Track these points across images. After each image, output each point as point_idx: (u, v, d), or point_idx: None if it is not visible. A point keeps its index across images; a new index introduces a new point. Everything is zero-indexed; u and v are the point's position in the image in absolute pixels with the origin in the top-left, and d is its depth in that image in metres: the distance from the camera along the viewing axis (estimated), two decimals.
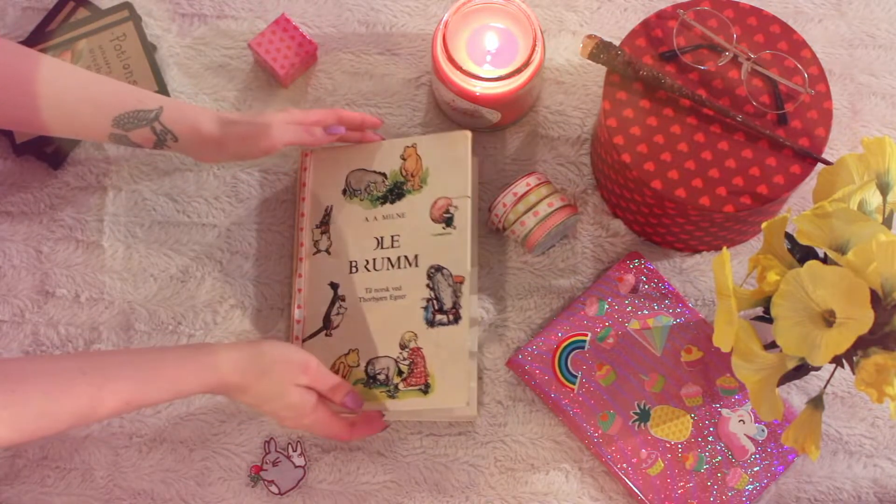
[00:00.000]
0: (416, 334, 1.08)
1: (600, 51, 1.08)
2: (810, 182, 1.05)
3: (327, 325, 1.12)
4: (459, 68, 1.10)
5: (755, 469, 1.10)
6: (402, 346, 1.08)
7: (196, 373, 0.96)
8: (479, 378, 1.14)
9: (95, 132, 1.05)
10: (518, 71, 1.10)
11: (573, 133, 1.21)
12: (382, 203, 1.13)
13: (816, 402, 0.94)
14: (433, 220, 1.11)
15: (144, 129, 1.04)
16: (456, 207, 1.10)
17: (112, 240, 1.18)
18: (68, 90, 1.02)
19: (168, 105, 1.05)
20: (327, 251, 1.14)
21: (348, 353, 1.10)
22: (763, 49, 1.10)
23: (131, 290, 1.17)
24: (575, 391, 1.11)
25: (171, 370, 0.95)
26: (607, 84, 1.09)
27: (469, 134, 1.11)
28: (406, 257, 1.11)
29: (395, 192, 1.13)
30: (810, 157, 1.06)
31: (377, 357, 1.09)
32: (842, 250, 0.90)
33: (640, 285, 1.15)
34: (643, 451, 1.10)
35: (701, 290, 1.17)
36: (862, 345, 0.89)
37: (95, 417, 0.91)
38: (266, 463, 1.12)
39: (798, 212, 1.18)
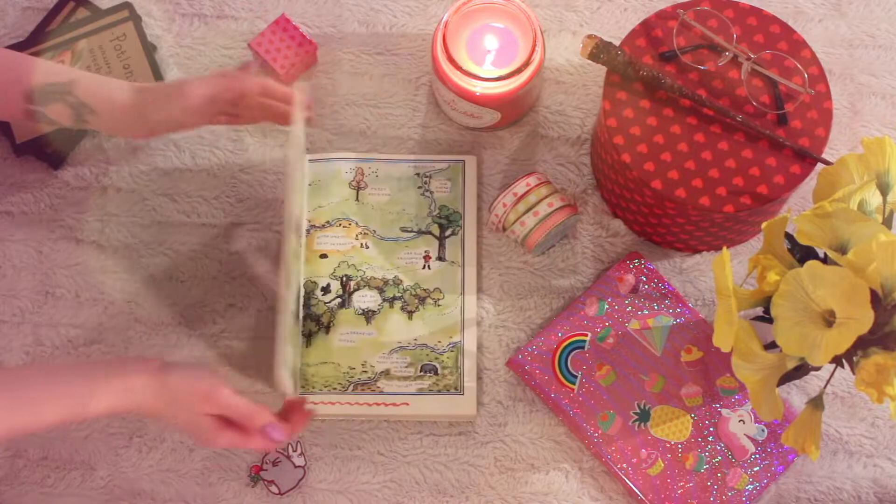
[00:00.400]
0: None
1: (600, 51, 1.08)
2: (810, 182, 1.05)
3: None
4: (459, 68, 1.10)
5: (755, 469, 1.10)
6: None
7: (108, 395, 0.94)
8: (479, 378, 1.14)
9: (11, 109, 1.02)
10: (518, 71, 1.10)
11: (573, 133, 1.21)
12: None
13: (816, 402, 0.94)
14: None
15: (59, 103, 1.02)
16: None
17: (112, 240, 1.18)
18: None
19: (82, 78, 1.02)
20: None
21: None
22: (763, 49, 1.10)
23: (131, 290, 1.17)
24: (575, 391, 1.11)
25: (79, 390, 0.93)
26: (607, 84, 1.09)
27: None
28: None
29: None
30: (810, 157, 1.06)
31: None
32: (842, 250, 0.90)
33: (640, 285, 1.15)
34: (643, 451, 1.10)
35: (701, 290, 1.17)
36: (862, 345, 0.89)
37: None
38: (266, 463, 1.12)
39: (798, 212, 1.18)
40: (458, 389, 1.12)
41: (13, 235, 1.19)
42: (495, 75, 1.11)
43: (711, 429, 1.11)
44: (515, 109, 1.18)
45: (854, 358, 0.90)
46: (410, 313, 1.15)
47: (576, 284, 1.17)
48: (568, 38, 1.24)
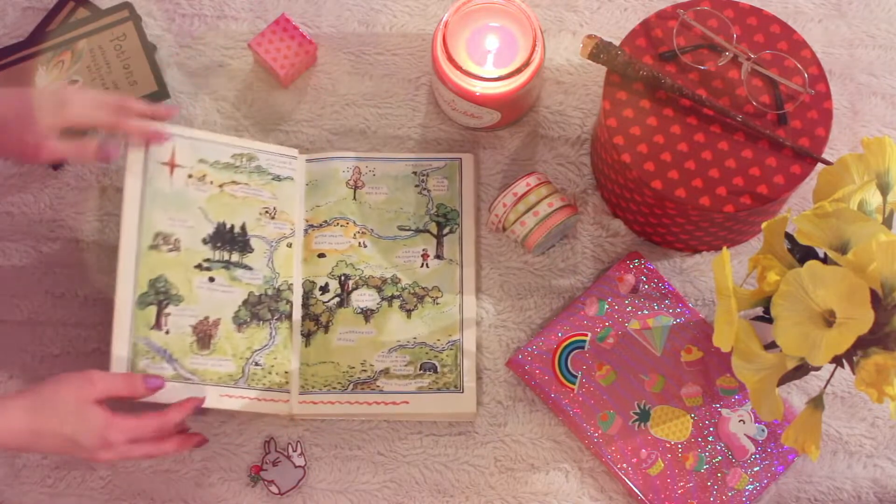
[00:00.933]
0: None
1: (600, 51, 1.08)
2: (810, 182, 1.05)
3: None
4: (459, 68, 1.10)
5: (755, 469, 1.10)
6: None
7: None
8: (479, 378, 1.14)
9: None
10: (518, 71, 1.10)
11: (573, 133, 1.21)
12: None
13: (816, 402, 0.94)
14: None
15: None
16: None
17: (112, 240, 1.18)
18: None
19: None
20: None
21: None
22: (763, 49, 1.10)
23: None
24: (575, 391, 1.11)
25: None
26: (607, 84, 1.09)
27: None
28: None
29: None
30: (810, 157, 1.06)
31: None
32: (842, 250, 0.90)
33: (640, 285, 1.15)
34: (643, 451, 1.10)
35: (701, 290, 1.17)
36: (862, 345, 0.88)
37: None
38: (266, 463, 1.12)
39: (798, 212, 1.18)
40: (457, 388, 1.12)
41: (13, 235, 1.19)
42: (495, 75, 1.11)
43: (711, 429, 1.11)
44: (515, 109, 1.18)
45: (854, 358, 0.90)
46: (409, 312, 1.15)
47: (576, 284, 1.17)
48: (568, 38, 1.24)
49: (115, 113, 1.07)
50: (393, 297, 1.15)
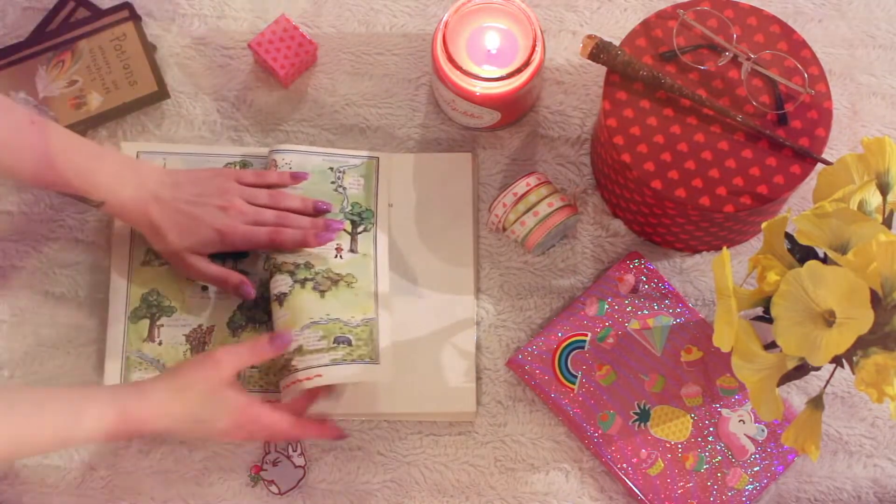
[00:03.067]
0: None
1: (600, 51, 1.08)
2: (810, 182, 1.05)
3: None
4: (459, 68, 1.10)
5: (755, 469, 1.10)
6: None
7: (103, 414, 0.96)
8: (479, 378, 1.14)
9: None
10: (518, 71, 1.10)
11: (573, 133, 1.21)
12: None
13: (816, 402, 0.94)
14: None
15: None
16: None
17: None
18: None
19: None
20: None
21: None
22: (763, 49, 1.10)
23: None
24: (575, 391, 1.11)
25: (93, 410, 0.96)
26: (607, 84, 1.09)
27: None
28: None
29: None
30: (810, 157, 1.06)
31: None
32: (842, 250, 0.90)
33: (640, 285, 1.15)
34: (643, 451, 1.10)
35: (701, 290, 1.17)
36: (862, 345, 0.88)
37: None
38: (266, 463, 1.12)
39: (798, 212, 1.18)
40: (372, 359, 1.09)
41: (13, 235, 1.19)
42: (495, 75, 1.11)
43: (711, 429, 1.11)
44: (515, 109, 1.18)
45: (854, 358, 0.90)
46: (323, 292, 1.11)
47: (576, 284, 1.17)
48: (568, 38, 1.24)
49: (272, 234, 1.10)
50: (306, 279, 1.11)
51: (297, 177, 1.14)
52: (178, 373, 1.02)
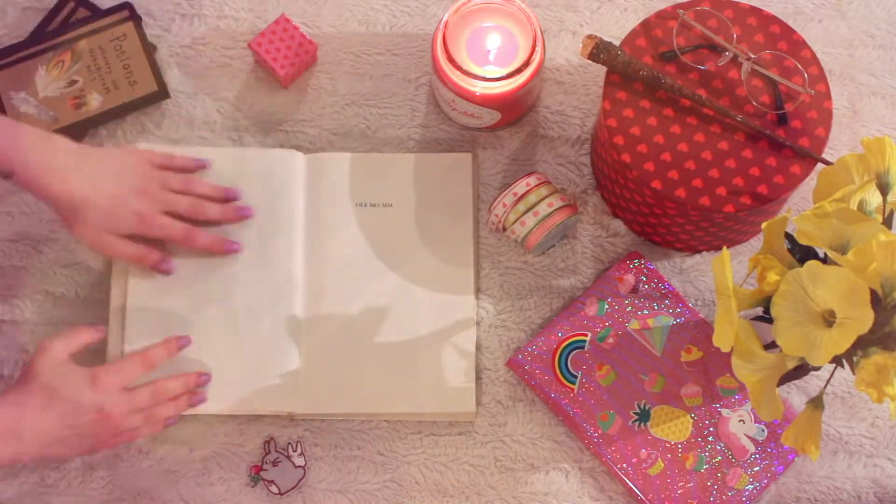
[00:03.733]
0: None
1: (600, 51, 1.08)
2: (810, 182, 1.05)
3: None
4: (459, 68, 1.10)
5: (755, 469, 1.10)
6: None
7: None
8: (479, 378, 1.14)
9: None
10: (518, 71, 1.10)
11: (573, 133, 1.21)
12: None
13: (816, 402, 0.94)
14: None
15: None
16: None
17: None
18: None
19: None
20: None
21: None
22: (763, 49, 1.10)
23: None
24: (575, 391, 1.11)
25: None
26: (607, 84, 1.09)
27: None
28: None
29: None
30: (810, 157, 1.06)
31: None
32: (842, 250, 0.90)
33: (640, 285, 1.15)
34: (643, 451, 1.10)
35: (701, 290, 1.17)
36: (862, 345, 0.88)
37: None
38: (266, 463, 1.12)
39: (798, 212, 1.18)
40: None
41: (13, 235, 1.19)
42: (495, 75, 1.11)
43: (711, 429, 1.11)
44: (515, 109, 1.18)
45: (854, 358, 0.90)
46: None
47: (576, 284, 1.17)
48: (568, 38, 1.24)
49: (186, 233, 1.12)
50: None
51: (200, 163, 1.17)
52: (21, 380, 1.03)
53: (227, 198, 1.16)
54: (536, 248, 1.15)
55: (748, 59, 1.08)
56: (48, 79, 1.20)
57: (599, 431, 1.10)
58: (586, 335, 1.13)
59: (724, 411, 1.11)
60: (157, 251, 1.12)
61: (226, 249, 1.14)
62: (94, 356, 1.11)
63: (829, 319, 0.88)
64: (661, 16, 1.11)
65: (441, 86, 1.15)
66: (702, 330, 1.13)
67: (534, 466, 1.13)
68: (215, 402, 1.11)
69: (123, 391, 1.05)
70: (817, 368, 0.94)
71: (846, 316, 0.86)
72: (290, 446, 1.12)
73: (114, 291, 1.14)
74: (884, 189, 0.94)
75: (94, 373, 1.04)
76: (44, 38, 1.21)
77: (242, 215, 1.15)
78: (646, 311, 1.14)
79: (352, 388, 1.13)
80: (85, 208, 1.06)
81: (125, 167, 1.10)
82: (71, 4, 1.23)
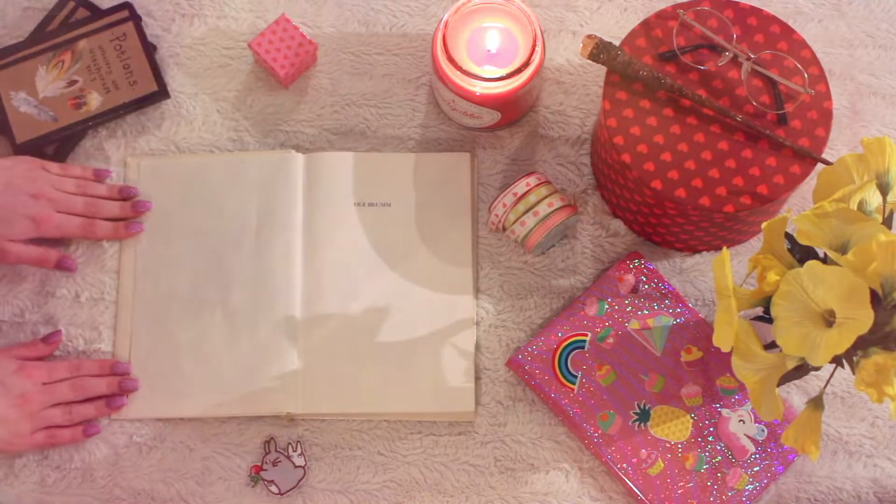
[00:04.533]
0: None
1: (600, 51, 1.08)
2: (810, 182, 1.05)
3: None
4: (459, 68, 1.10)
5: (755, 469, 1.10)
6: None
7: None
8: (479, 378, 1.14)
9: None
10: (518, 71, 1.10)
11: (573, 133, 1.21)
12: None
13: (816, 402, 0.94)
14: None
15: None
16: None
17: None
18: None
19: None
20: None
21: None
22: (763, 49, 1.10)
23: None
24: (575, 391, 1.11)
25: None
26: (607, 84, 1.09)
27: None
28: None
29: None
30: (810, 157, 1.06)
31: None
32: (842, 250, 0.90)
33: (640, 285, 1.15)
34: (643, 451, 1.10)
35: (701, 290, 1.17)
36: (862, 345, 0.88)
37: None
38: (266, 463, 1.12)
39: (798, 212, 1.18)
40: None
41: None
42: (495, 75, 1.11)
43: (711, 429, 1.11)
44: (515, 109, 1.18)
45: (854, 358, 0.90)
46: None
47: (576, 284, 1.17)
48: (568, 38, 1.24)
49: (84, 226, 1.13)
50: None
51: (99, 174, 1.17)
52: None
53: (123, 196, 1.17)
54: (536, 248, 1.15)
55: (748, 59, 1.08)
56: (48, 79, 1.20)
57: (599, 431, 1.10)
58: (586, 335, 1.13)
59: (724, 411, 1.11)
60: (56, 251, 1.14)
61: (130, 232, 1.15)
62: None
63: (829, 319, 0.88)
64: (661, 16, 1.11)
65: (441, 86, 1.15)
66: (702, 330, 1.13)
67: (534, 466, 1.13)
68: (215, 403, 1.11)
69: (46, 385, 1.08)
70: (817, 368, 0.94)
71: (846, 316, 0.86)
72: (290, 446, 1.12)
73: (120, 292, 1.14)
74: (884, 189, 0.94)
75: (22, 364, 1.08)
76: (44, 38, 1.21)
77: (141, 210, 1.16)
78: (646, 311, 1.14)
79: (351, 388, 1.13)
80: None
81: (15, 175, 1.11)
82: (71, 4, 1.23)
